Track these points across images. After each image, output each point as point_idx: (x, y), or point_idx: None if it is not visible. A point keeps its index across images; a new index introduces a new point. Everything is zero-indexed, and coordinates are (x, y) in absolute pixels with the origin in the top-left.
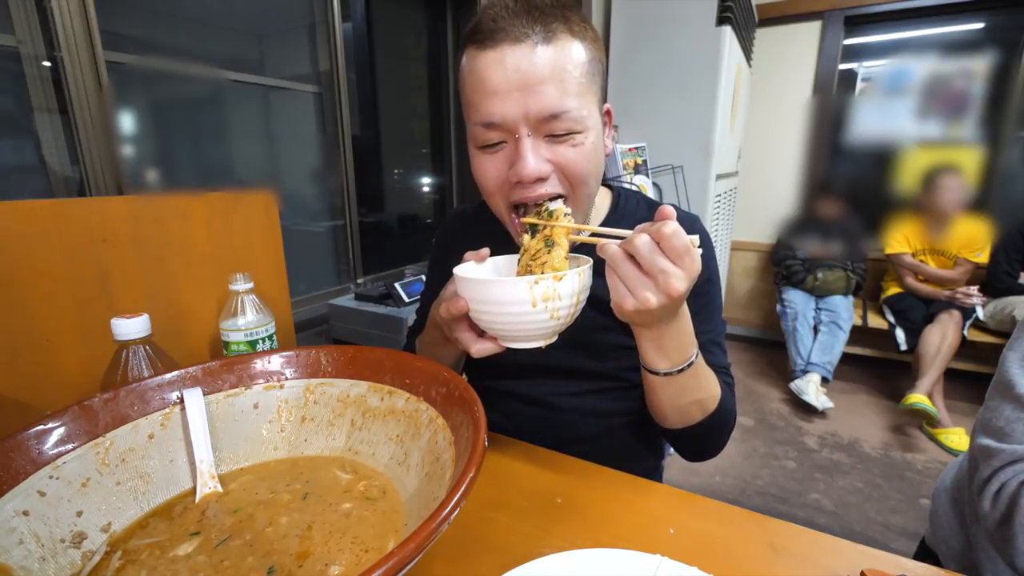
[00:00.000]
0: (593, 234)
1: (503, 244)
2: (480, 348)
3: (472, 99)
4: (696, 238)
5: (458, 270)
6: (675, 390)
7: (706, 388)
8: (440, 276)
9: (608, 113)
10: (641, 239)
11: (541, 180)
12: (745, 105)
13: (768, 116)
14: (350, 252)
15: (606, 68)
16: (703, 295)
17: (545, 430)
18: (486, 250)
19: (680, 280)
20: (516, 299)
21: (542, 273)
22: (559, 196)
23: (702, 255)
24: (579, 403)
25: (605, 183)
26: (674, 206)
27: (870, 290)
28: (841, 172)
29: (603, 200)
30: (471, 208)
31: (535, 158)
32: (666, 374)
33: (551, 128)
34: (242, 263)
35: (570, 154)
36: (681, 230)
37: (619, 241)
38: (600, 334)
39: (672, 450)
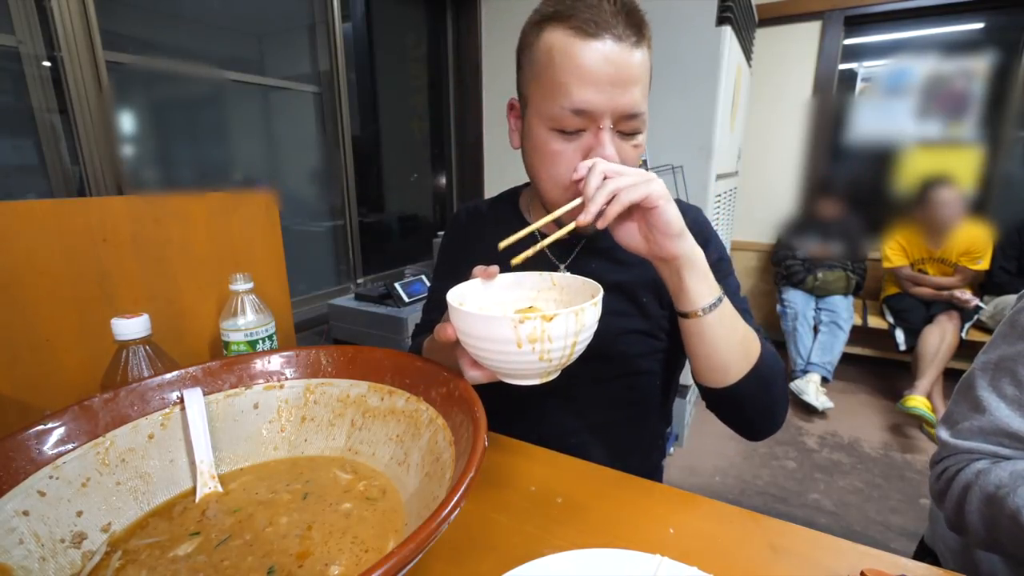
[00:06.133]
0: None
1: (521, 241)
2: (473, 376)
3: (564, 82)
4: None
5: (452, 295)
6: (727, 325)
7: (743, 323)
8: (448, 273)
9: None
10: (600, 163)
11: None
12: (745, 105)
13: (768, 116)
14: (350, 252)
15: None
16: (718, 272)
17: (552, 419)
18: (495, 268)
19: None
20: (499, 337)
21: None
22: None
23: (709, 241)
24: (588, 391)
25: None
26: (676, 199)
27: (870, 290)
28: (841, 172)
29: None
30: (485, 205)
31: (614, 151)
32: (714, 305)
33: (625, 126)
34: (242, 263)
35: (631, 153)
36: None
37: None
38: (611, 318)
39: (672, 449)
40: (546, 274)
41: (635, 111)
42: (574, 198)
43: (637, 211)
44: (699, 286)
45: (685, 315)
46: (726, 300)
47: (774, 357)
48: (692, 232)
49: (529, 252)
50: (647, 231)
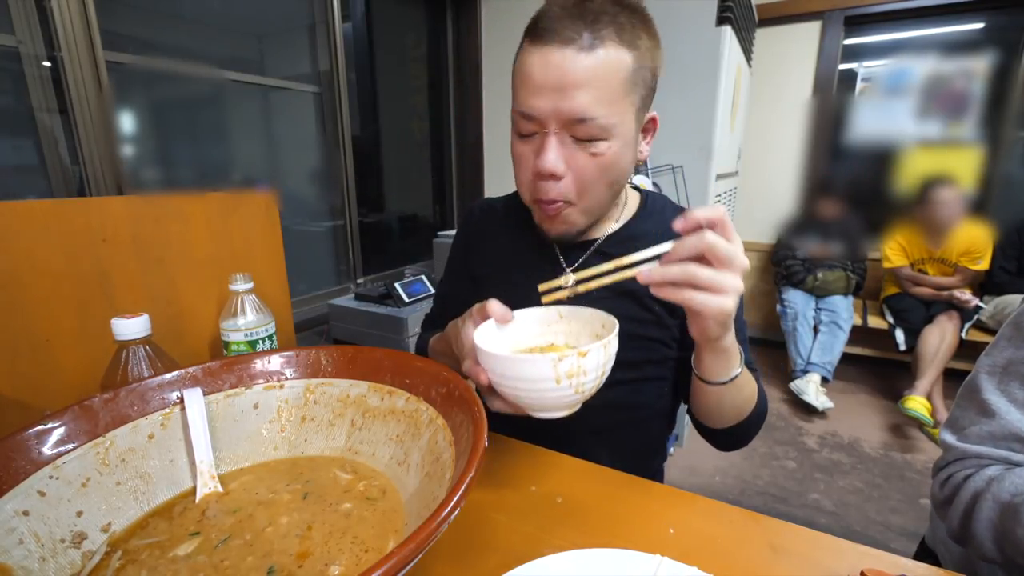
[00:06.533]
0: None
1: (531, 240)
2: (498, 406)
3: (516, 88)
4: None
5: (479, 340)
6: (736, 391)
7: (751, 379)
8: (457, 270)
9: (653, 120)
10: (710, 236)
11: (556, 177)
12: (745, 105)
13: (768, 116)
14: (350, 252)
15: (656, 77)
16: None
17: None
18: (510, 313)
19: (743, 253)
20: (538, 376)
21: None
22: (567, 203)
23: None
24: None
25: (633, 186)
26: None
27: (870, 290)
28: (841, 172)
29: (632, 202)
30: (500, 202)
31: (555, 155)
32: (728, 381)
33: (576, 131)
34: (242, 263)
35: (586, 162)
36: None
37: (661, 256)
38: (623, 323)
39: (672, 449)
40: (552, 308)
41: (580, 116)
42: (529, 197)
43: None
44: (718, 367)
45: (699, 377)
46: (743, 370)
47: (763, 398)
48: None
49: (562, 294)
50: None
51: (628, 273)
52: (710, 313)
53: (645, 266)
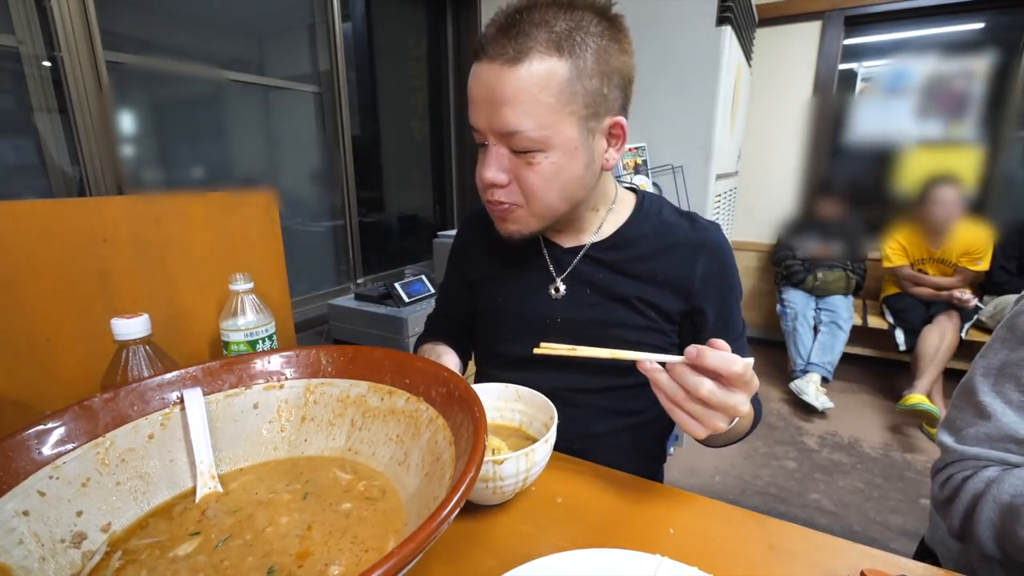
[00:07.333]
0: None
1: (521, 247)
2: None
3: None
4: (751, 360)
5: None
6: (731, 430)
7: (748, 414)
8: (456, 274)
9: (618, 126)
10: (707, 389)
11: (497, 186)
12: (745, 105)
13: (768, 116)
14: (350, 252)
15: (613, 82)
16: (726, 304)
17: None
18: None
19: (747, 401)
20: None
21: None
22: (516, 205)
23: (726, 266)
24: (592, 399)
25: (630, 187)
26: (693, 215)
27: (870, 290)
28: (841, 172)
29: (625, 206)
30: None
31: (493, 167)
32: (727, 431)
33: (511, 143)
34: (242, 263)
35: (525, 172)
36: (744, 363)
37: (675, 362)
38: (620, 330)
39: (672, 449)
40: (511, 386)
41: (508, 130)
42: (484, 200)
43: None
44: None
45: None
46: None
47: (759, 409)
48: (712, 268)
49: (562, 351)
50: None
51: (625, 356)
52: (683, 430)
53: (648, 358)
